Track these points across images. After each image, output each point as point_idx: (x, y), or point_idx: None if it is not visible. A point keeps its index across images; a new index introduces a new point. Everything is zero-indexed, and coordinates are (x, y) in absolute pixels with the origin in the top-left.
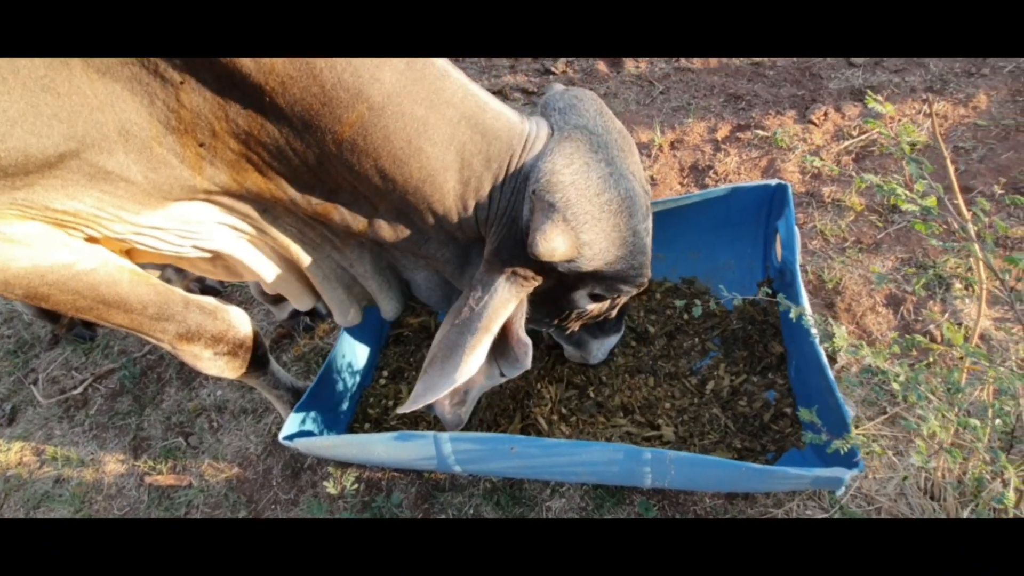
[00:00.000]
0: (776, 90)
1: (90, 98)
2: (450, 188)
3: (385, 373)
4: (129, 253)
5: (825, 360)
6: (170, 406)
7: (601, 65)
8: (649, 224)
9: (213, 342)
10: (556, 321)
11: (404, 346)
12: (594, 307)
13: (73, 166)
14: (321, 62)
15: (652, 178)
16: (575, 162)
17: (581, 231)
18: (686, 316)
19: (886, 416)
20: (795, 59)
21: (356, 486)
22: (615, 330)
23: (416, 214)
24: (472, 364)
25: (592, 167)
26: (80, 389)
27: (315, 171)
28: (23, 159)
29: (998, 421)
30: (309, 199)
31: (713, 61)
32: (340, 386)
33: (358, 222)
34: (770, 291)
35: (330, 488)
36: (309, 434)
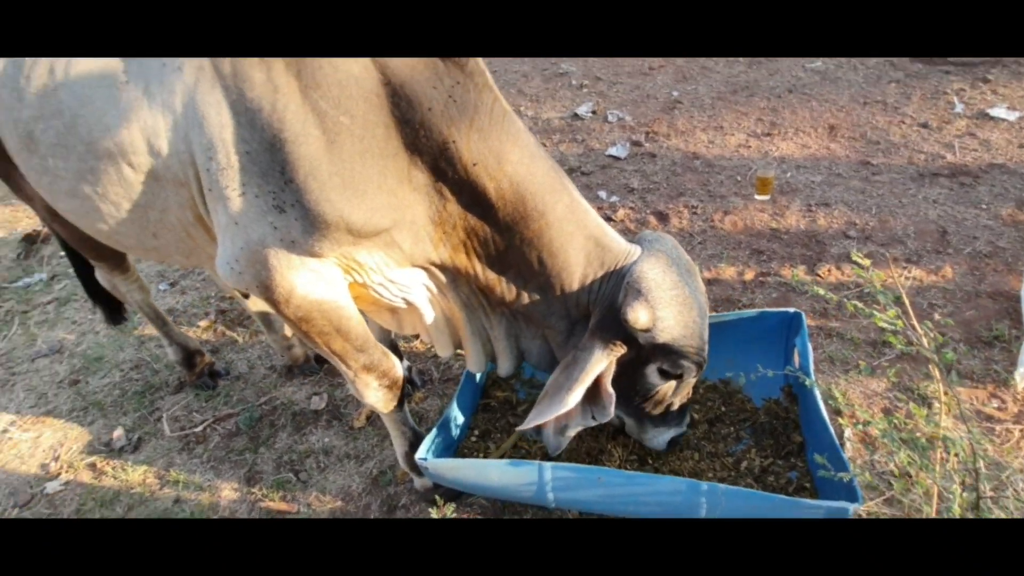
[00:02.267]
0: (790, 249)
1: (406, 201)
2: (577, 278)
3: (476, 432)
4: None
5: (828, 420)
6: (282, 447)
7: (652, 219)
8: (706, 323)
9: (381, 376)
10: (632, 396)
11: (491, 413)
12: (661, 387)
13: (383, 237)
14: (528, 190)
15: None
16: (657, 268)
17: (657, 309)
18: (723, 408)
19: (884, 497)
20: (804, 228)
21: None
22: (676, 424)
23: (550, 292)
24: (571, 400)
25: (668, 273)
26: (201, 428)
27: (500, 256)
28: (370, 230)
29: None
30: (487, 275)
31: (740, 223)
32: (450, 432)
33: (511, 294)
34: (790, 393)
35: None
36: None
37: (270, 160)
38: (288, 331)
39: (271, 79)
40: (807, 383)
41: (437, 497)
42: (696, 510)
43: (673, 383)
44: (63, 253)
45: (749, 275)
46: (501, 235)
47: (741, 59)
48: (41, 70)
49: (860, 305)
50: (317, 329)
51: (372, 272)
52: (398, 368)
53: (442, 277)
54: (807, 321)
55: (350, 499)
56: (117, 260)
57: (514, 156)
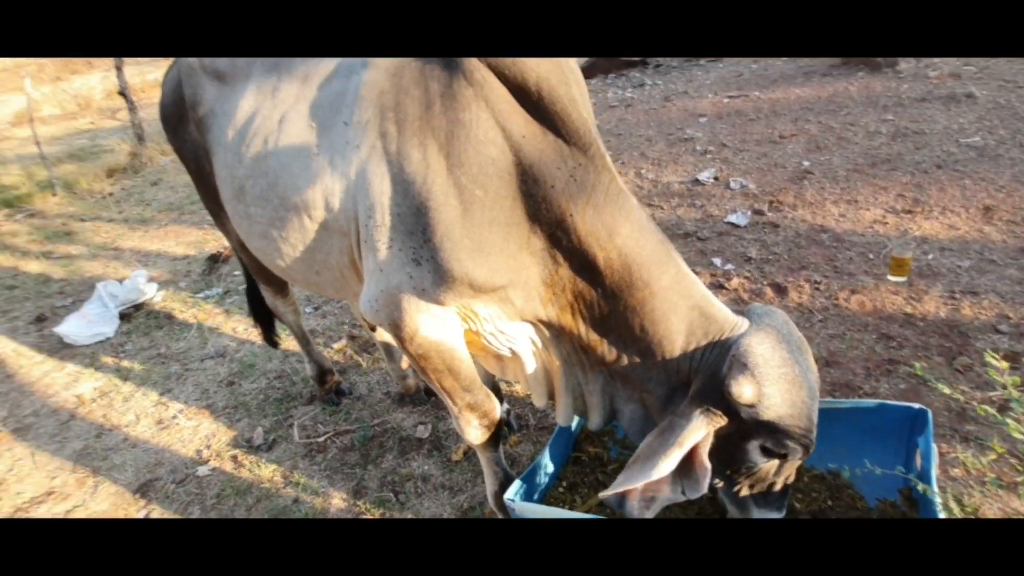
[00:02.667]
0: (925, 338)
1: (523, 264)
2: (679, 346)
3: (564, 483)
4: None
5: None
6: (387, 468)
7: (768, 290)
8: (816, 404)
9: (482, 415)
10: (729, 472)
11: (581, 467)
12: (763, 465)
13: (499, 293)
14: (635, 261)
15: None
16: (766, 342)
17: (764, 385)
18: (829, 503)
19: None
20: (945, 316)
21: None
22: (776, 507)
23: (650, 358)
24: (664, 467)
25: (777, 349)
26: (323, 439)
27: (603, 319)
28: (490, 287)
29: None
30: (590, 335)
31: (868, 304)
32: (539, 480)
33: (611, 355)
34: (909, 497)
35: None
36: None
37: (415, 222)
38: (406, 363)
39: (426, 158)
40: (925, 491)
41: None
42: None
43: (776, 462)
44: (237, 273)
45: (874, 361)
46: (606, 300)
47: (883, 131)
48: (258, 141)
49: (992, 411)
50: (432, 366)
51: (486, 322)
52: (497, 410)
53: (547, 332)
54: (936, 420)
55: None
56: (282, 287)
57: (624, 230)
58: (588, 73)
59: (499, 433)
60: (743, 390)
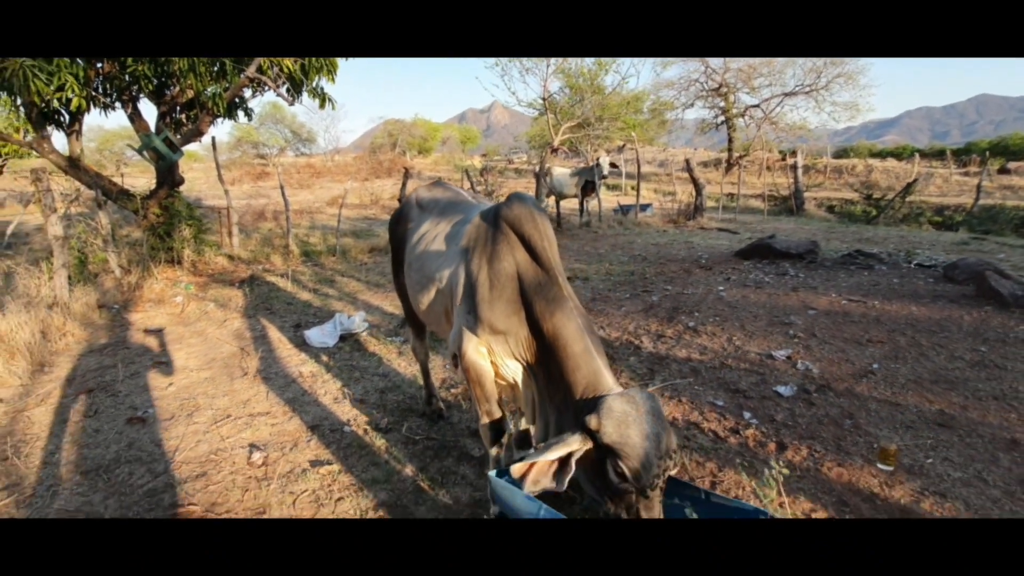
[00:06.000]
0: (874, 513)
1: (513, 322)
2: (579, 392)
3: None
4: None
5: None
6: (446, 464)
7: (771, 445)
8: (654, 449)
9: (493, 420)
10: (604, 490)
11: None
12: (624, 493)
13: (501, 336)
14: (560, 335)
15: None
16: (618, 399)
17: (603, 419)
18: None
19: None
20: (904, 504)
21: None
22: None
23: (569, 397)
24: (551, 456)
25: (622, 402)
26: (417, 437)
27: (547, 365)
28: (499, 330)
29: None
30: (547, 381)
31: (845, 477)
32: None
33: (550, 392)
34: None
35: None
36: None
37: (471, 293)
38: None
39: (479, 264)
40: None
41: (490, 515)
42: None
43: (632, 495)
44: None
45: (820, 515)
46: (547, 353)
47: (966, 358)
48: (423, 244)
49: None
50: (471, 378)
51: (496, 355)
52: (501, 419)
53: (527, 372)
54: None
55: (460, 509)
56: (420, 332)
57: (557, 317)
58: (746, 255)
59: (499, 436)
60: (591, 420)
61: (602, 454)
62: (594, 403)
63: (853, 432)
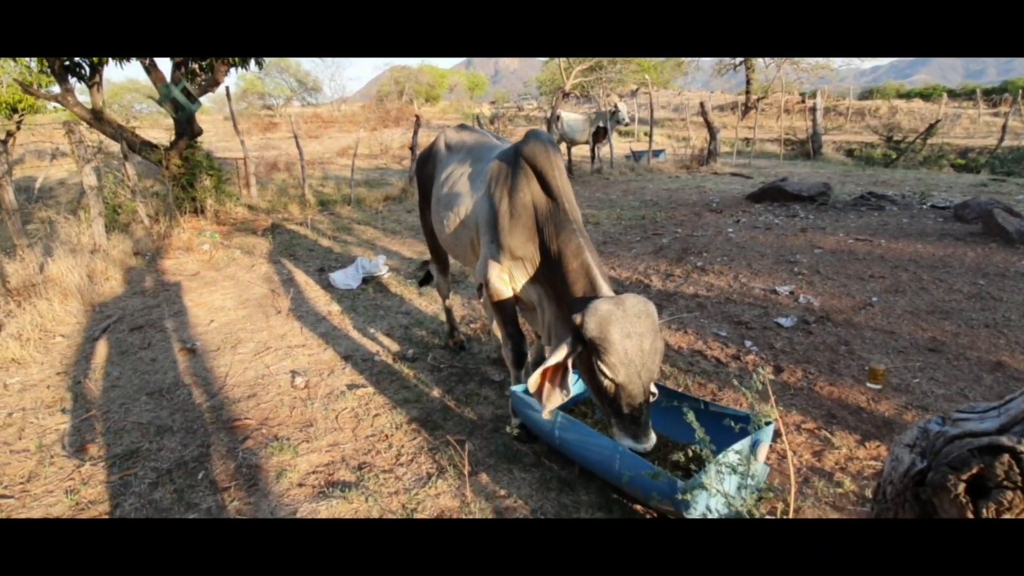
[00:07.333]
0: (859, 422)
1: (531, 246)
2: (577, 297)
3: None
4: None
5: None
6: (470, 388)
7: (769, 368)
8: (633, 346)
9: (513, 343)
10: (596, 390)
11: (573, 414)
12: (605, 384)
13: (520, 261)
14: (565, 251)
15: None
16: (606, 302)
17: (587, 317)
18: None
19: None
20: (888, 415)
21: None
22: (633, 437)
23: (567, 300)
24: (552, 361)
25: (607, 304)
26: (442, 366)
27: (553, 277)
28: (519, 256)
29: None
30: (556, 299)
31: (836, 394)
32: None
33: (559, 308)
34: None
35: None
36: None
37: (494, 222)
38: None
39: (501, 196)
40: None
41: (512, 427)
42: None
43: (614, 387)
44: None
45: (809, 425)
46: (554, 268)
47: (964, 291)
48: (450, 182)
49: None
50: (493, 302)
51: (516, 280)
52: (521, 341)
53: (543, 295)
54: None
55: (484, 423)
56: (445, 267)
57: (562, 236)
58: (757, 199)
59: (521, 358)
60: (576, 317)
61: (589, 351)
62: (584, 303)
63: (847, 357)
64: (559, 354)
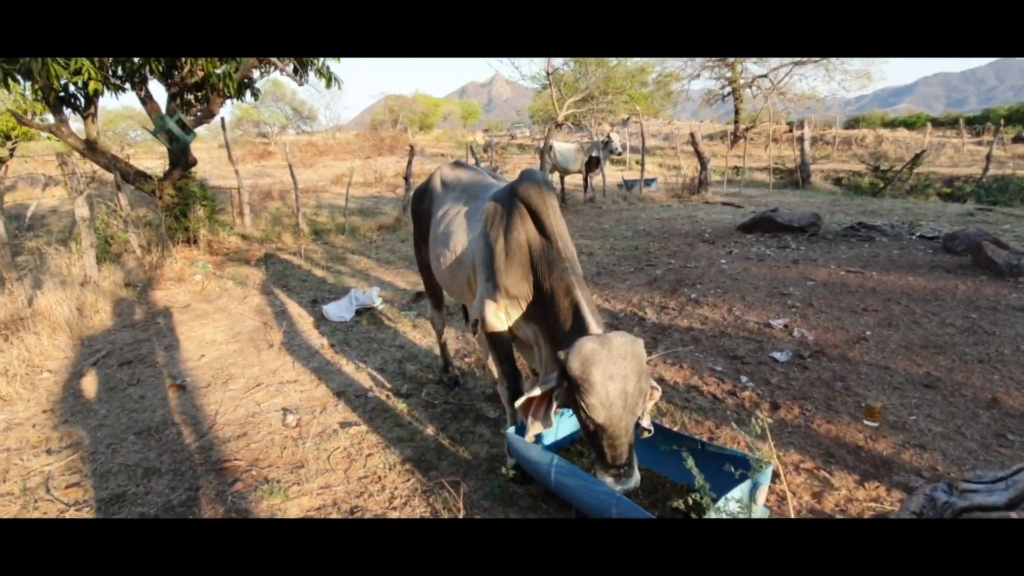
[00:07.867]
0: (857, 462)
1: (525, 285)
2: (565, 335)
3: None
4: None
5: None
6: (464, 425)
7: (766, 406)
8: (614, 387)
9: (510, 380)
10: (579, 421)
11: (564, 453)
12: (588, 425)
13: (515, 300)
14: (557, 290)
15: None
16: (590, 340)
17: (570, 355)
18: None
19: None
20: (886, 455)
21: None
22: (615, 476)
23: (557, 339)
24: (539, 391)
25: (593, 343)
26: (436, 402)
27: (546, 315)
28: (513, 295)
29: None
30: (549, 336)
31: (833, 432)
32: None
33: (552, 345)
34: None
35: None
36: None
37: (490, 262)
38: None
39: (497, 236)
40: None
41: (508, 468)
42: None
43: (594, 427)
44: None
45: (808, 465)
46: (546, 306)
47: (956, 324)
48: (447, 219)
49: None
50: (490, 341)
51: (512, 318)
52: (517, 379)
53: (538, 332)
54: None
55: (479, 463)
56: (439, 303)
57: (554, 276)
58: (749, 229)
59: (516, 396)
60: (560, 354)
61: (572, 390)
62: (572, 340)
63: (843, 393)
64: (544, 387)
